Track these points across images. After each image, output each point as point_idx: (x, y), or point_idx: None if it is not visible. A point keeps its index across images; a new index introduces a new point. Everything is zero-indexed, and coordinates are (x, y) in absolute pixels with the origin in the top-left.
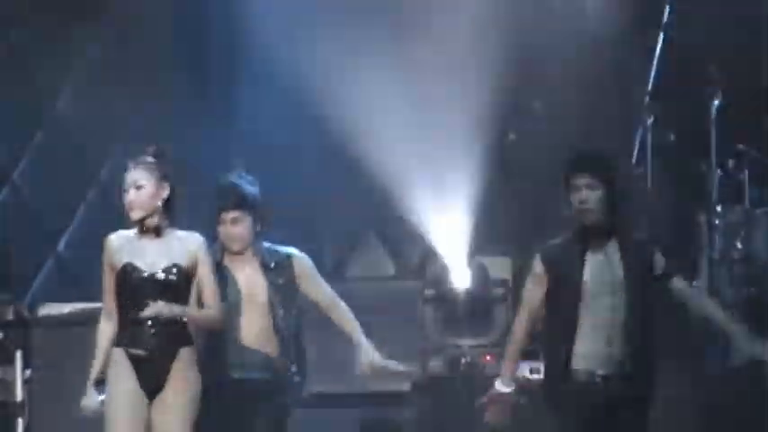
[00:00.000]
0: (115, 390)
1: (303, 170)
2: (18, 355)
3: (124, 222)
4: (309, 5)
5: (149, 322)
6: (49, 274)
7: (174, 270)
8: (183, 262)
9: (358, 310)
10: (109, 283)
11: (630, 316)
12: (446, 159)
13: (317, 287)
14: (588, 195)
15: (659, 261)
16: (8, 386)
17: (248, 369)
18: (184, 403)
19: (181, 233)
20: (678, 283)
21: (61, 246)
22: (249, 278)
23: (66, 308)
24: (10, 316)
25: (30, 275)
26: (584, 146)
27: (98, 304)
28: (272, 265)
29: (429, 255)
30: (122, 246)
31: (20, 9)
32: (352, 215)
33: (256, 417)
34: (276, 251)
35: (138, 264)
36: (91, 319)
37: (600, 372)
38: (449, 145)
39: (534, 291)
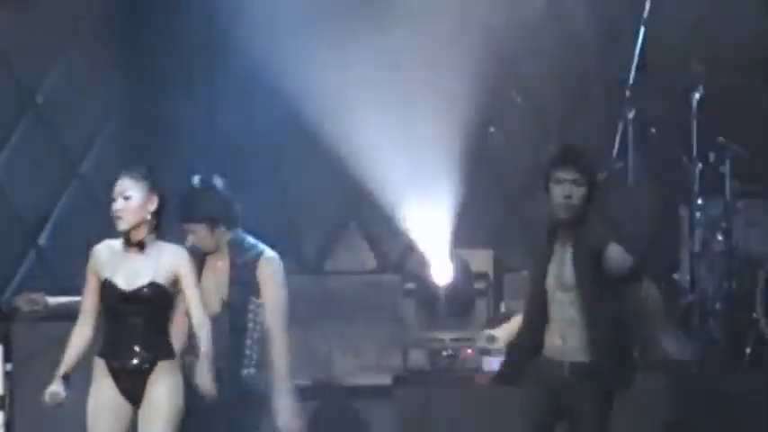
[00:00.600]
0: (96, 400)
1: (284, 164)
2: None
3: (106, 218)
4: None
5: (131, 335)
6: (29, 267)
7: (155, 288)
8: (164, 279)
9: (339, 304)
10: (91, 288)
11: (580, 313)
12: (427, 153)
13: (267, 292)
14: (572, 190)
15: (614, 254)
16: None
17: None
18: (168, 410)
19: (166, 246)
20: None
21: (42, 239)
22: (218, 275)
23: (49, 301)
24: None
25: (10, 268)
26: (571, 141)
27: (78, 298)
28: (240, 262)
29: (409, 248)
30: (108, 260)
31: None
32: (332, 209)
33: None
34: (250, 249)
35: (120, 281)
36: (72, 313)
37: (559, 360)
38: (430, 138)
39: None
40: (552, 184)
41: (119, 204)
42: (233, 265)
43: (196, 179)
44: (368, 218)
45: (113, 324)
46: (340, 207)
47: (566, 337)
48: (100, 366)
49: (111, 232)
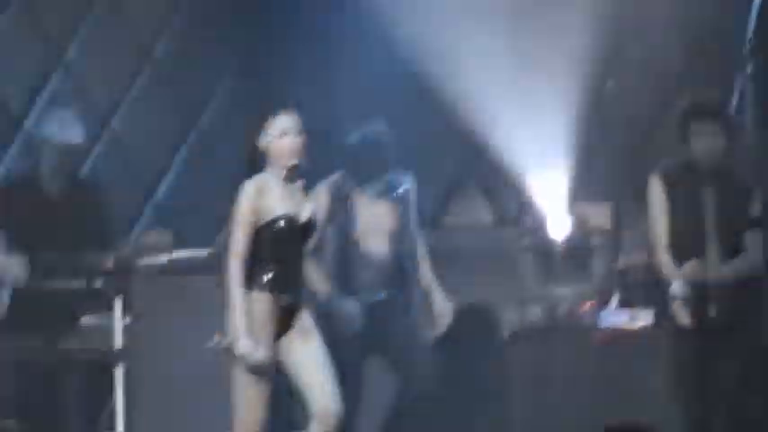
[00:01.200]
0: (259, 337)
1: (400, 120)
2: (117, 303)
3: (224, 169)
4: None
5: (298, 268)
6: (147, 222)
7: (313, 216)
8: (313, 208)
9: (456, 259)
10: (250, 226)
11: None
12: (545, 107)
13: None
14: (714, 142)
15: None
16: (107, 334)
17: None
18: (316, 332)
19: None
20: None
21: (159, 194)
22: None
23: (165, 256)
24: (110, 265)
25: (127, 224)
26: (688, 94)
27: (197, 252)
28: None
29: (527, 203)
30: (274, 194)
31: None
32: (450, 165)
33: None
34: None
35: (293, 213)
36: (190, 268)
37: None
38: (548, 93)
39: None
40: (692, 136)
41: (295, 140)
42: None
43: (377, 125)
44: (485, 173)
45: (283, 258)
46: (457, 163)
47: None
48: (265, 302)
49: (229, 186)
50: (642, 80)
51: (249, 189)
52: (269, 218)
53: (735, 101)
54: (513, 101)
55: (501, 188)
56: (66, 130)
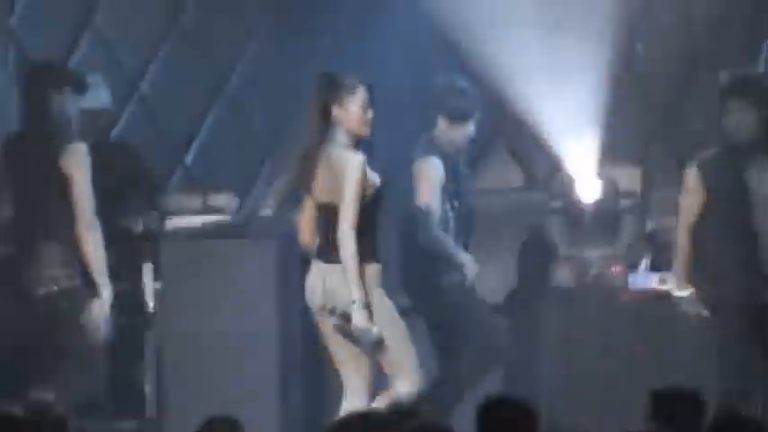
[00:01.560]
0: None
1: (430, 80)
2: (147, 267)
3: (252, 136)
4: None
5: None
6: (177, 186)
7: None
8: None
9: (487, 221)
10: (361, 199)
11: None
12: (573, 69)
13: None
14: (745, 119)
15: None
16: (138, 302)
17: None
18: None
19: None
20: None
21: (189, 158)
22: None
23: (196, 220)
24: (139, 228)
25: (153, 188)
26: (718, 57)
27: (227, 217)
28: None
29: (556, 166)
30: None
31: None
32: (479, 127)
33: None
34: None
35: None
36: (219, 232)
37: None
38: (577, 56)
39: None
40: (729, 114)
41: (370, 112)
42: None
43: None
44: (515, 135)
45: (377, 227)
46: (485, 125)
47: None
48: (375, 271)
49: (260, 150)
50: (671, 43)
51: (360, 162)
52: (372, 189)
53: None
54: (543, 63)
55: (530, 151)
56: (94, 94)
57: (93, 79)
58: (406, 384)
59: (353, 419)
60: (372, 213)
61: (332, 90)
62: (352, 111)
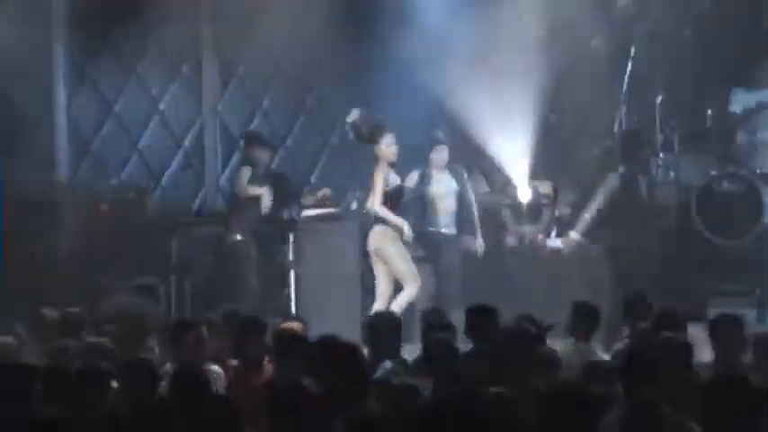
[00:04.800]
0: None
1: (424, 131)
2: (290, 236)
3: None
4: None
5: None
6: (306, 194)
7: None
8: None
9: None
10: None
11: None
12: (517, 115)
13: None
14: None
15: None
16: (285, 254)
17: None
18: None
19: None
20: None
21: (312, 179)
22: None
23: (314, 212)
24: (286, 216)
25: (294, 194)
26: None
27: (333, 210)
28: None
29: (507, 179)
30: (390, 172)
31: None
32: (463, 160)
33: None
34: None
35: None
36: (330, 218)
37: None
38: (519, 106)
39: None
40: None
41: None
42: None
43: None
44: (483, 161)
45: (397, 207)
46: (468, 159)
47: None
48: (394, 233)
49: (347, 176)
50: (569, 109)
51: (385, 171)
52: (393, 185)
53: None
54: (502, 117)
55: (491, 170)
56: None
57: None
58: (408, 288)
59: (378, 315)
60: (393, 199)
61: (376, 134)
62: (387, 147)
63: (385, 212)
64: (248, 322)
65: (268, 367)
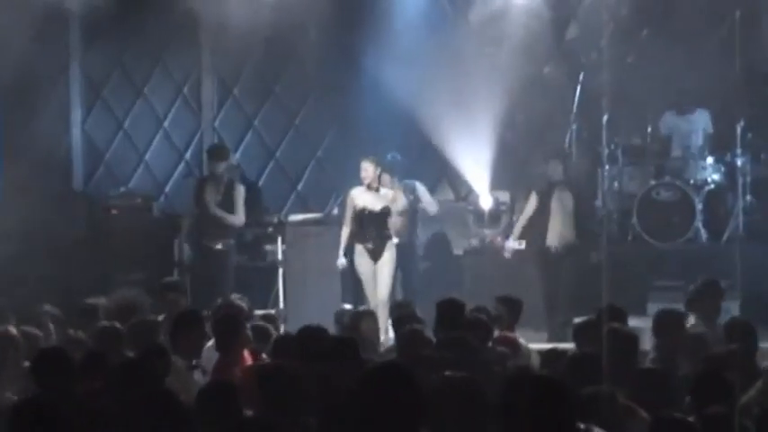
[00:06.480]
0: (361, 260)
1: (403, 146)
2: (279, 239)
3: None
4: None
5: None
6: (293, 201)
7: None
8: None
9: (432, 219)
10: (350, 211)
11: None
12: (481, 132)
13: None
14: (555, 168)
15: None
16: (275, 254)
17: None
18: (390, 261)
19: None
20: None
21: (299, 186)
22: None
23: (301, 217)
24: (275, 220)
25: (281, 203)
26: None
27: (318, 215)
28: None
29: (470, 188)
30: (359, 195)
31: None
32: (432, 172)
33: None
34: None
35: (366, 205)
36: (314, 222)
37: None
38: (483, 123)
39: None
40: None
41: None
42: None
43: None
44: (450, 172)
45: (366, 227)
46: (437, 171)
47: None
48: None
49: (332, 184)
50: (522, 125)
51: (351, 192)
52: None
53: None
54: (466, 134)
55: (457, 180)
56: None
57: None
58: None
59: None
60: (357, 220)
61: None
62: (363, 173)
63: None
64: (187, 317)
65: (248, 359)
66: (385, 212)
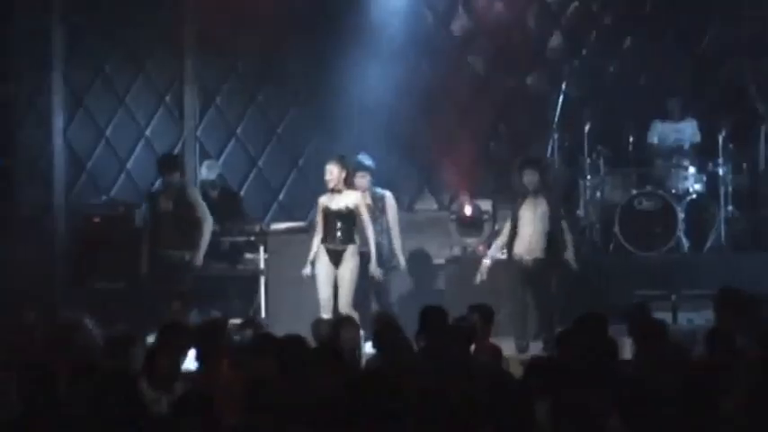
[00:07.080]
0: (319, 264)
1: (385, 156)
2: (261, 248)
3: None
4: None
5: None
6: (275, 210)
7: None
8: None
9: (418, 227)
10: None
11: None
12: (459, 149)
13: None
14: (531, 179)
15: None
16: (257, 263)
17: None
18: (353, 268)
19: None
20: None
21: (281, 196)
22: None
23: (284, 225)
24: (257, 229)
25: (263, 212)
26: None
27: (301, 223)
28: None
29: (453, 197)
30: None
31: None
32: (415, 180)
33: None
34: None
35: (331, 206)
36: (297, 231)
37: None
38: (459, 140)
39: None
40: (524, 176)
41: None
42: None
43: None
44: (436, 185)
45: (331, 228)
46: (420, 180)
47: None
48: (322, 248)
49: (312, 193)
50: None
51: (320, 198)
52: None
53: None
54: (449, 144)
55: (440, 191)
56: (210, 172)
57: (212, 164)
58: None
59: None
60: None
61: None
62: (328, 175)
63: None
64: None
65: (227, 369)
66: (347, 212)
